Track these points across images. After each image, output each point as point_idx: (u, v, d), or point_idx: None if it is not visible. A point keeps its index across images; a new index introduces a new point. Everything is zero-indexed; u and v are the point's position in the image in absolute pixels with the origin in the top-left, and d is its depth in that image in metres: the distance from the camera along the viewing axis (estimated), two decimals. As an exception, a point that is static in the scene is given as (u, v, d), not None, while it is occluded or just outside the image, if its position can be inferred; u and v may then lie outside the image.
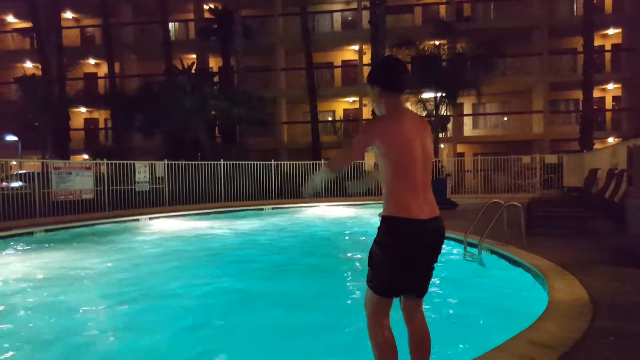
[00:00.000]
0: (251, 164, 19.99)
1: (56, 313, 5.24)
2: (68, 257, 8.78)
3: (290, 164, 21.33)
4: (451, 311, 5.05)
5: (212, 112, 23.46)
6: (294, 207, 18.10)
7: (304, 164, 20.92)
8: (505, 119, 31.65)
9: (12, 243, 10.46)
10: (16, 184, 14.47)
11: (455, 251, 7.89)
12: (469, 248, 7.54)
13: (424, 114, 24.97)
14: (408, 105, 28.91)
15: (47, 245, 10.26)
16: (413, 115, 2.62)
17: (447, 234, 8.65)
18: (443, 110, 24.45)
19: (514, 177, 20.73)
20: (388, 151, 2.50)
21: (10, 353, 4.15)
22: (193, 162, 18.52)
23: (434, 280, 6.30)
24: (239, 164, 19.61)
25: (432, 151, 2.70)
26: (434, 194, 2.66)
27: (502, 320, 4.59)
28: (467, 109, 30.86)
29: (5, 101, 27.68)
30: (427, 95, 24.57)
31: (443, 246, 2.67)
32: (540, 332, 3.61)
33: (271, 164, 20.44)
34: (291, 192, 20.37)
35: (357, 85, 29.32)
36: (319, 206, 18.21)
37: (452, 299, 5.49)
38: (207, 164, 18.93)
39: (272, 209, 17.81)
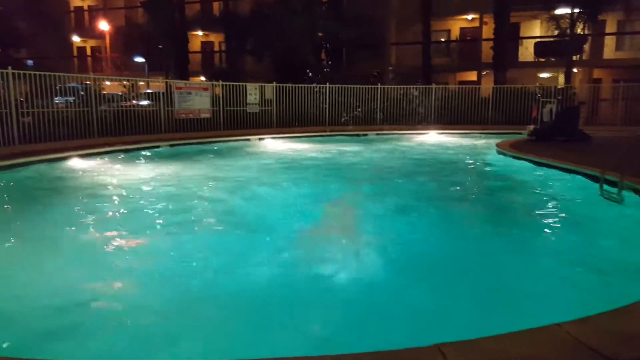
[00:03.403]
0: (357, 87, 19.47)
1: (179, 208, 6.35)
2: (190, 168, 9.71)
3: (397, 88, 20.41)
4: (585, 255, 4.51)
5: (320, 34, 22.94)
6: (399, 134, 17.52)
7: (413, 88, 19.88)
8: (659, 39, 26.63)
9: (141, 155, 11.69)
10: (144, 102, 15.77)
11: (589, 189, 6.99)
12: (605, 186, 6.61)
13: (556, 33, 22.00)
14: (538, 22, 25.59)
15: (171, 157, 11.39)
16: None
17: (578, 169, 7.74)
18: (580, 29, 21.23)
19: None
20: None
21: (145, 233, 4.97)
22: (300, 85, 18.56)
23: (561, 220, 5.79)
24: (344, 87, 19.23)
25: None
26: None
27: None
28: (610, 27, 26.41)
29: (134, 24, 29.74)
30: (562, 10, 21.39)
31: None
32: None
33: (377, 88, 19.75)
34: (397, 117, 19.68)
35: (479, 0, 26.44)
36: (427, 133, 17.43)
37: (586, 242, 4.92)
38: (313, 87, 18.85)
39: (376, 134, 17.45)
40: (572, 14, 20.65)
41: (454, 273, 4.09)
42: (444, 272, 4.11)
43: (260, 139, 15.43)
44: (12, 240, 4.97)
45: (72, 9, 37.02)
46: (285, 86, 18.24)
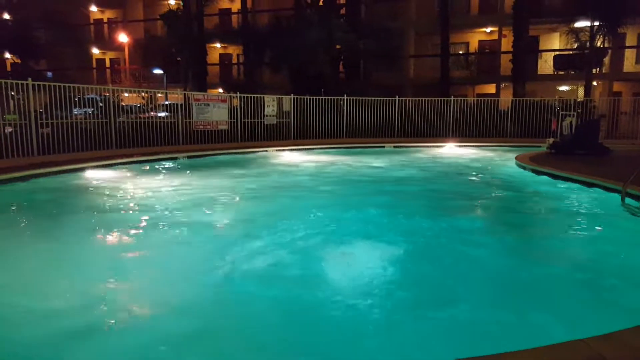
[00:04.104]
0: (374, 99, 19.47)
1: (196, 216, 6.47)
2: (207, 179, 9.77)
3: (415, 100, 20.35)
4: (606, 271, 4.38)
5: (338, 46, 23.04)
6: (416, 146, 17.40)
7: (430, 100, 19.79)
8: (682, 51, 26.12)
9: (159, 166, 11.79)
10: (162, 114, 15.98)
11: (610, 202, 6.82)
12: (627, 199, 6.45)
13: (575, 46, 21.73)
14: (557, 35, 25.33)
15: (188, 169, 11.46)
16: None
17: (599, 182, 7.60)
18: (599, 42, 20.94)
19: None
20: None
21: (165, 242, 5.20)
22: (317, 97, 18.63)
23: (581, 235, 5.65)
24: (361, 99, 19.25)
25: None
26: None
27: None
28: (631, 39, 26.02)
29: (153, 36, 30.27)
30: (581, 23, 21.13)
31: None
32: None
33: (395, 100, 19.72)
34: (415, 130, 19.57)
35: (497, 13, 26.36)
36: (445, 146, 17.29)
37: (607, 258, 4.78)
38: (331, 99, 18.90)
39: (394, 147, 17.35)
40: (591, 26, 20.36)
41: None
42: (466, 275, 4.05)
43: (278, 150, 15.48)
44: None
45: (91, 21, 37.94)
46: (303, 98, 18.34)
